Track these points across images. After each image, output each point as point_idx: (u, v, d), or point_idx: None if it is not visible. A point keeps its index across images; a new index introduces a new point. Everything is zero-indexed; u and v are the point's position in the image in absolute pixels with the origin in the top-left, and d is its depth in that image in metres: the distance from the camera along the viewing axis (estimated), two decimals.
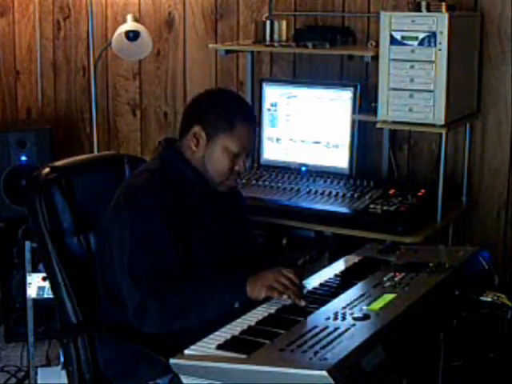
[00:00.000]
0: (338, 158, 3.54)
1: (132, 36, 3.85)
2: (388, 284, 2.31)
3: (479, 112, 3.47)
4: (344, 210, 3.18)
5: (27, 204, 2.67)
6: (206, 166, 2.53)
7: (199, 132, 2.53)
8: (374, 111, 3.25)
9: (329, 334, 1.94)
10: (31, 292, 3.54)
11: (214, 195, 2.60)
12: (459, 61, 3.17)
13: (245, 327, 2.08)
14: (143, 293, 2.34)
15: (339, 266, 2.61)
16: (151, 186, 2.47)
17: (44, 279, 3.48)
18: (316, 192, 3.32)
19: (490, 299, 2.49)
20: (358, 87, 3.49)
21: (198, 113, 2.56)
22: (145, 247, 2.39)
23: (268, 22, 3.60)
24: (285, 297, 2.24)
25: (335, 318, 2.05)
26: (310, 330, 1.97)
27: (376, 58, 3.23)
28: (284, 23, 3.62)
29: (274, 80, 3.78)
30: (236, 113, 2.54)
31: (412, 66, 3.12)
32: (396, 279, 2.35)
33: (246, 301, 2.30)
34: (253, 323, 2.11)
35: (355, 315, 2.06)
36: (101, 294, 2.57)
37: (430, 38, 3.06)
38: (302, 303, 2.22)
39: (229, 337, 2.02)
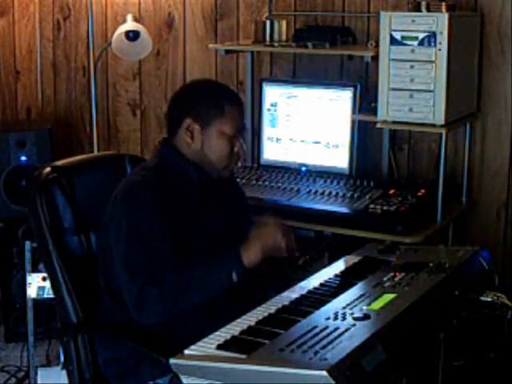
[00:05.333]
0: (338, 158, 3.54)
1: (132, 36, 3.85)
2: (388, 284, 2.31)
3: (479, 112, 3.47)
4: (344, 210, 3.18)
5: (28, 204, 2.67)
6: (207, 155, 2.55)
7: (192, 124, 2.54)
8: (374, 111, 3.25)
9: (329, 334, 1.94)
10: (31, 292, 3.54)
11: (213, 190, 2.61)
12: (459, 61, 3.17)
13: (245, 327, 2.07)
14: (141, 284, 2.35)
15: (339, 266, 2.61)
16: (148, 183, 2.48)
17: (44, 279, 3.48)
18: (316, 192, 3.32)
19: (490, 299, 2.48)
20: (358, 87, 3.49)
21: (185, 106, 2.57)
22: (141, 242, 2.40)
23: (268, 22, 3.60)
24: (283, 245, 2.43)
25: (335, 318, 2.05)
26: (309, 330, 1.97)
27: (376, 58, 3.23)
28: (284, 23, 3.62)
29: (274, 80, 3.78)
30: (222, 97, 2.57)
31: (412, 66, 3.12)
32: (396, 279, 2.34)
33: (243, 271, 2.39)
34: (253, 323, 2.10)
35: (355, 315, 2.05)
36: (102, 291, 2.57)
37: (430, 38, 3.07)
38: (297, 253, 2.46)
39: (229, 337, 2.02)
